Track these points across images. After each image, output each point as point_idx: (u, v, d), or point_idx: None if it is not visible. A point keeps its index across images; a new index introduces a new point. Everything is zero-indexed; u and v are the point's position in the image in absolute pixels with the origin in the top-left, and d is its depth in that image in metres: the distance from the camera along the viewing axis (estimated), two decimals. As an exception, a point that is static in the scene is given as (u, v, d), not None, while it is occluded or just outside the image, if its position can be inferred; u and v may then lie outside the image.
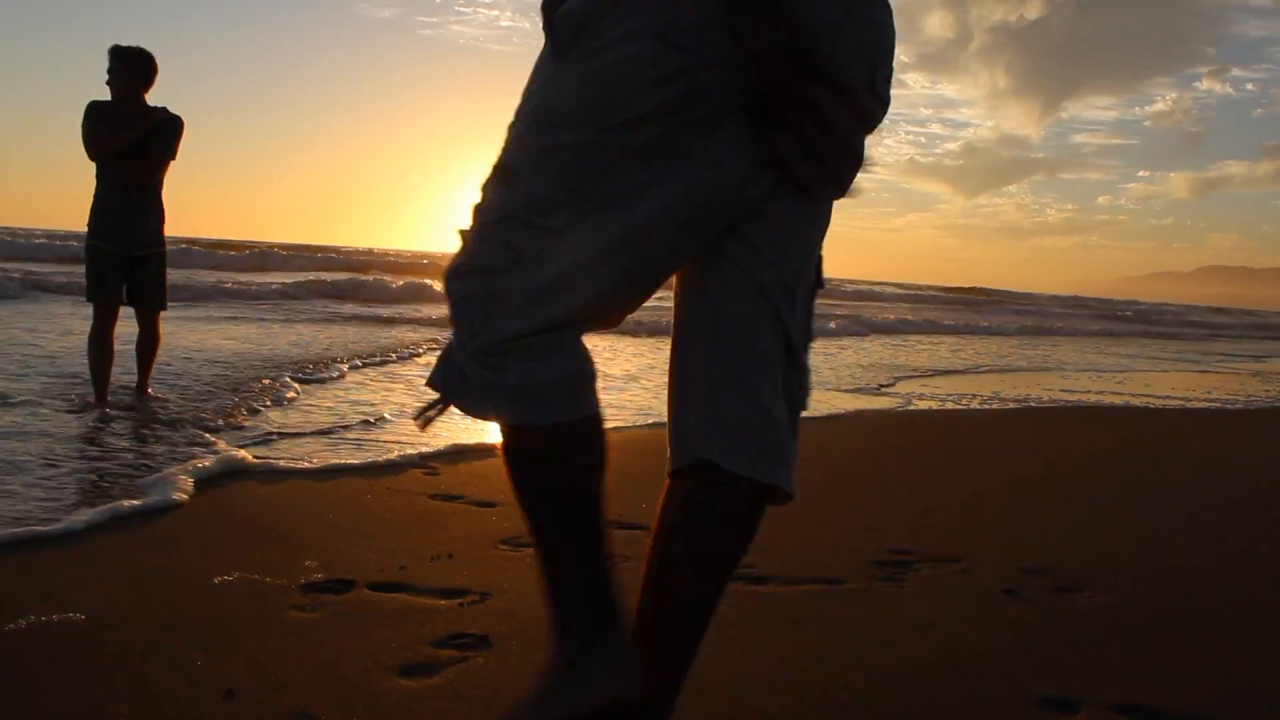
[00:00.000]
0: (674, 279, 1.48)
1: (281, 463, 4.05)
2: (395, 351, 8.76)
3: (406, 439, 4.68)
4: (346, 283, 17.24)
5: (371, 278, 19.73)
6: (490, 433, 4.98)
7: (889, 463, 5.07)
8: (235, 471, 3.84)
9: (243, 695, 1.97)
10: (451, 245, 1.37)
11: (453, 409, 1.40)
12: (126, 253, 5.30)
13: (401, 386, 6.61)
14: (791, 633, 2.49)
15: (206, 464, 3.81)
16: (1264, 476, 5.29)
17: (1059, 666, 2.34)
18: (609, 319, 1.42)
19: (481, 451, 4.45)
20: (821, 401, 7.24)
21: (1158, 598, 2.94)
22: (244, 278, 17.78)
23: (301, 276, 18.72)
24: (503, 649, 2.26)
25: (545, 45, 1.38)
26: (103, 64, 5.32)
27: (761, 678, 2.19)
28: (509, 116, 1.41)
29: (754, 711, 2.03)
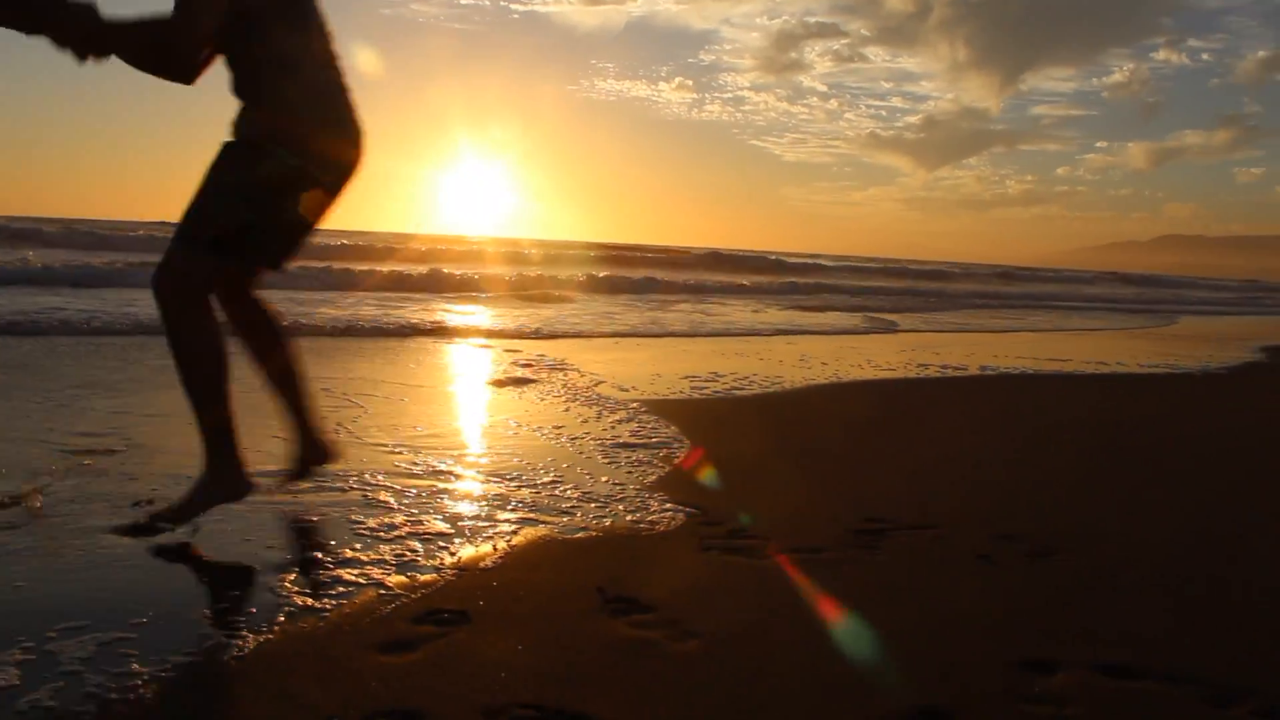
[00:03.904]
0: None
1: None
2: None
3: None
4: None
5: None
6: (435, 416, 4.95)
7: (860, 432, 5.09)
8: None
9: (225, 675, 1.94)
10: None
11: None
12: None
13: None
14: (771, 600, 2.49)
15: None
16: (1224, 439, 5.37)
17: (1037, 629, 2.36)
18: None
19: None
20: (792, 374, 7.26)
21: (1131, 560, 2.97)
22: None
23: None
24: (481, 623, 2.25)
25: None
26: None
27: (742, 644, 2.19)
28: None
29: (734, 676, 2.03)
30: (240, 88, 2.74)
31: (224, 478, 2.77)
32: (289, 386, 3.09)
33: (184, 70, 2.67)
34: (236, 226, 2.69)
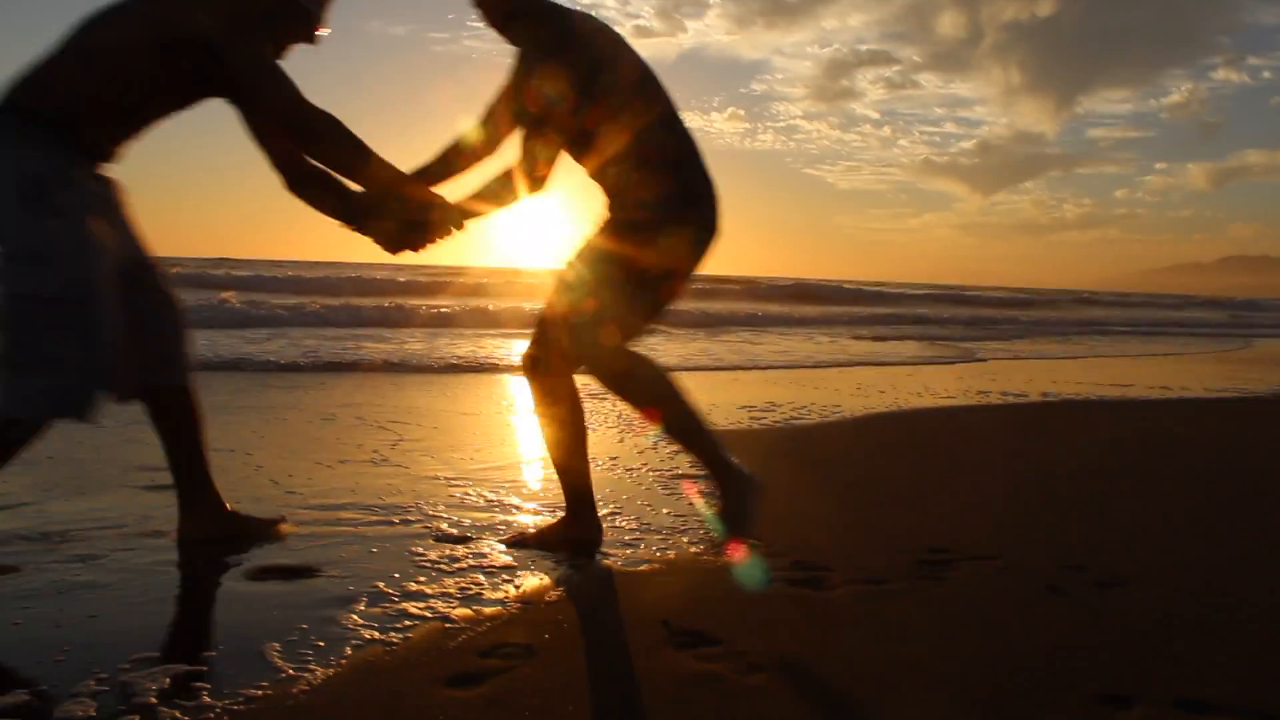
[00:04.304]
0: None
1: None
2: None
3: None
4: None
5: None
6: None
7: (914, 461, 5.03)
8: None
9: (295, 709, 1.95)
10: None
11: None
12: None
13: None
14: (838, 634, 2.46)
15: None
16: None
17: (1112, 662, 2.30)
18: None
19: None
20: (851, 403, 7.21)
21: (1204, 588, 2.89)
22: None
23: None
24: (546, 658, 2.24)
25: None
26: None
27: (809, 676, 2.16)
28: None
29: (803, 708, 2.00)
30: (595, 175, 2.99)
31: (745, 480, 2.99)
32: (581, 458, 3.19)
33: (544, 189, 2.97)
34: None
